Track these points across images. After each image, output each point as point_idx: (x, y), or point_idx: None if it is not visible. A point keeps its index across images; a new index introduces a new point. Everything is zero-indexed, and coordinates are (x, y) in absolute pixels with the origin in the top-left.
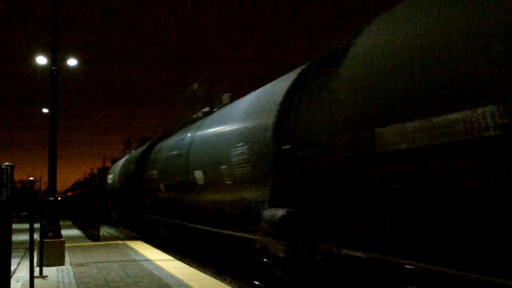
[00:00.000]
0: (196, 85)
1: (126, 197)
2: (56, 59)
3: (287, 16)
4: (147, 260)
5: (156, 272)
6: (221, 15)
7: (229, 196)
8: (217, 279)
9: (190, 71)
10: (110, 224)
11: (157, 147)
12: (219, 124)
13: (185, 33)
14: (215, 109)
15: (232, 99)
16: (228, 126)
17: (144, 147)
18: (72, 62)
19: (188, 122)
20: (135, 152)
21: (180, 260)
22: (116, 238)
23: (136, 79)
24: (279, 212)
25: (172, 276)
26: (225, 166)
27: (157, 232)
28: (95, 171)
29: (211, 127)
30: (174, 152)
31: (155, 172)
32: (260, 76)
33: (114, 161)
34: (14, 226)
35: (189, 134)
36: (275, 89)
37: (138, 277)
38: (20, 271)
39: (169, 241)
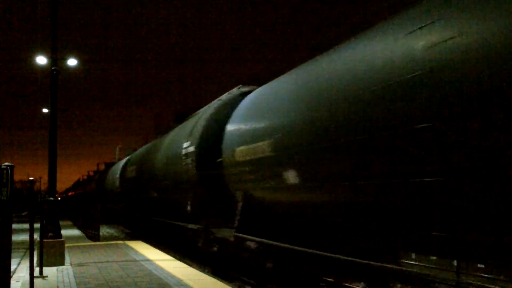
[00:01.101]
0: None
1: (169, 196)
2: (56, 59)
3: (287, 16)
4: (147, 260)
5: (156, 272)
6: (221, 15)
7: None
8: (217, 279)
9: (190, 71)
10: (110, 224)
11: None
12: None
13: (185, 33)
14: None
15: None
16: None
17: (218, 103)
18: (72, 62)
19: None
20: (196, 121)
21: (179, 260)
22: (116, 238)
23: (136, 79)
24: None
25: (172, 276)
26: None
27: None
28: (102, 166)
29: None
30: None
31: (246, 148)
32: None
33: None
34: (14, 226)
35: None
36: None
37: (138, 277)
38: (20, 271)
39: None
